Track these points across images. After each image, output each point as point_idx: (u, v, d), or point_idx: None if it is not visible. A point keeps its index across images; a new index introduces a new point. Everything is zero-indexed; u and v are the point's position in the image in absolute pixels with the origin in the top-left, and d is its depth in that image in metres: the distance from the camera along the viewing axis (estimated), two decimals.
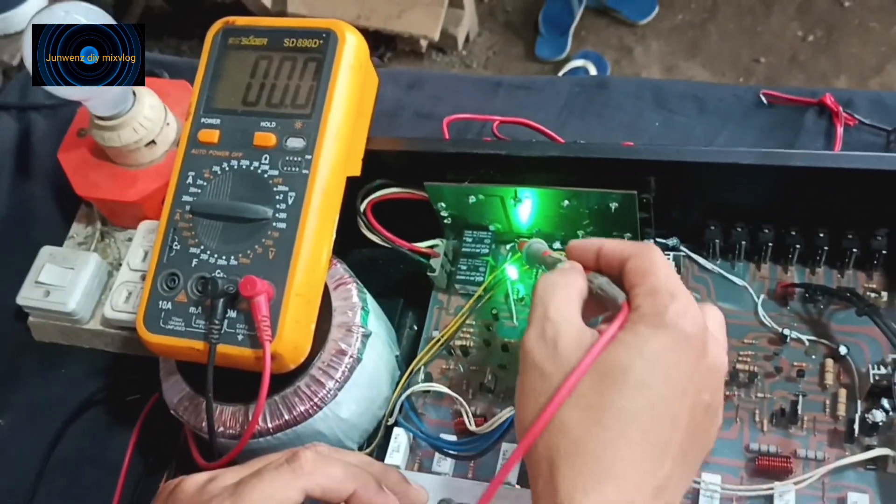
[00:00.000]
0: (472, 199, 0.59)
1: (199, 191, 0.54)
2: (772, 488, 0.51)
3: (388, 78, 0.80)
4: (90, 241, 0.72)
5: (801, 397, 0.53)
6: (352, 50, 0.54)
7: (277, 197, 0.53)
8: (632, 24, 1.88)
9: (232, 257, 0.52)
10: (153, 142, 0.66)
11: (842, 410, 0.53)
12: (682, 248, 0.59)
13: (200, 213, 0.54)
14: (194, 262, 0.53)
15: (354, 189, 0.59)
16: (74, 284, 0.67)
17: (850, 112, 0.67)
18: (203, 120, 0.55)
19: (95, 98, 0.61)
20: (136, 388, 0.66)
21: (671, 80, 1.09)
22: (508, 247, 0.63)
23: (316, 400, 0.53)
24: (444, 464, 0.56)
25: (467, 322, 0.60)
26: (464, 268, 0.62)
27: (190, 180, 0.54)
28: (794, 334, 0.55)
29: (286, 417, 0.53)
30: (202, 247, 0.53)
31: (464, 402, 0.56)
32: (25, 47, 0.57)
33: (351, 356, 0.54)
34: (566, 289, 0.41)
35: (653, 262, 0.40)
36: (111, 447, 0.66)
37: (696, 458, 0.39)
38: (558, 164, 0.56)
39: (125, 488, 0.63)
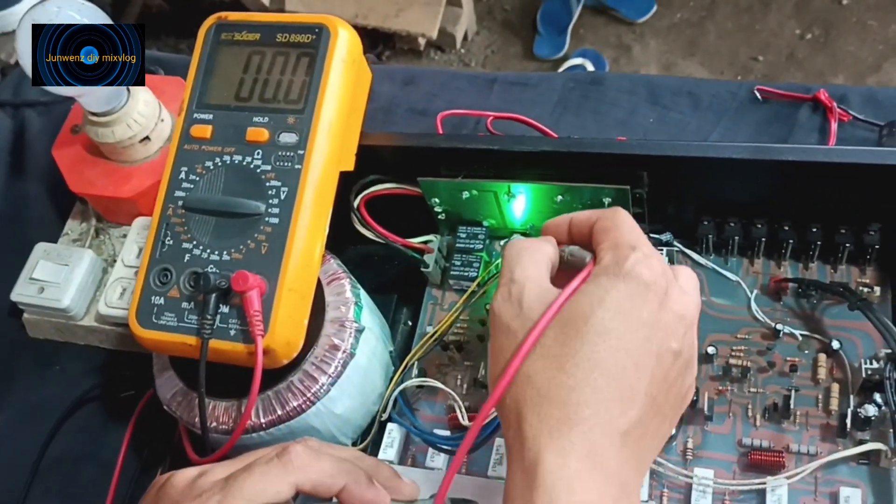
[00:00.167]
0: (465, 194, 0.59)
1: (192, 186, 0.54)
2: (764, 483, 0.51)
3: (384, 74, 0.80)
4: (85, 237, 0.72)
5: (793, 392, 0.53)
6: (344, 45, 0.55)
7: (270, 192, 0.53)
8: (630, 23, 1.88)
9: (224, 252, 0.52)
10: (147, 138, 0.66)
11: (834, 405, 0.53)
12: (675, 243, 0.59)
13: (193, 209, 0.54)
14: (187, 257, 0.53)
15: (348, 185, 0.59)
16: (69, 281, 0.67)
17: (844, 108, 0.67)
18: (195, 115, 0.55)
19: (89, 94, 0.61)
20: (131, 385, 0.66)
21: (665, 77, 1.09)
22: (502, 242, 0.63)
23: (309, 395, 0.53)
24: (438, 459, 0.56)
25: (461, 317, 0.60)
26: (458, 263, 0.62)
27: (182, 175, 0.54)
28: (787, 329, 0.55)
29: (279, 413, 0.53)
30: (195, 242, 0.53)
31: (457, 398, 0.56)
32: (19, 44, 0.57)
33: (344, 351, 0.54)
34: (532, 252, 0.42)
35: (615, 221, 0.41)
36: (106, 444, 0.66)
37: (670, 407, 0.40)
38: (551, 159, 0.56)
39: (119, 485, 0.63)
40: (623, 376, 0.37)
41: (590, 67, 1.81)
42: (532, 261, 0.42)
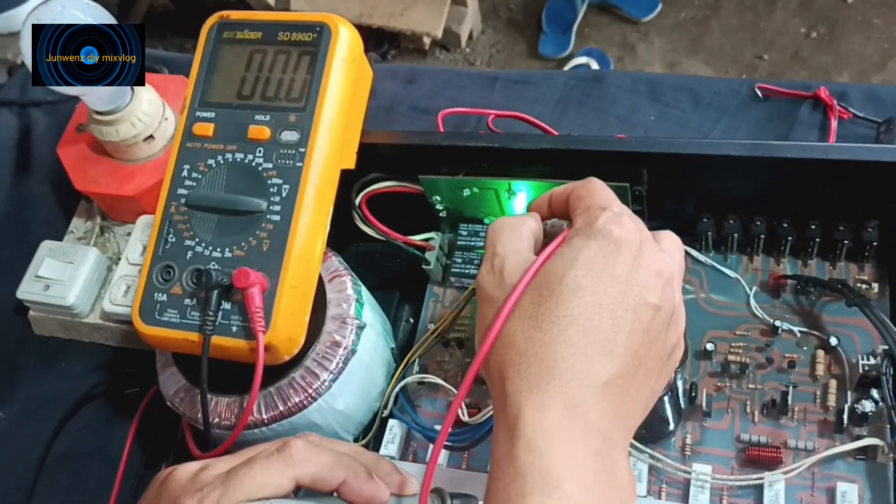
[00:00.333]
0: (466, 192, 0.59)
1: (194, 184, 0.55)
2: (762, 478, 0.51)
3: (387, 73, 0.80)
4: (89, 235, 0.73)
5: (791, 388, 0.53)
6: (345, 43, 0.55)
7: (272, 189, 0.53)
8: (634, 21, 1.88)
9: (226, 249, 0.53)
10: (151, 136, 0.66)
11: (832, 401, 0.53)
12: None
13: (195, 206, 0.54)
14: (189, 254, 0.53)
15: (350, 182, 0.59)
16: (74, 279, 0.68)
17: (844, 105, 0.68)
18: (198, 113, 0.56)
19: (93, 93, 0.62)
20: (136, 382, 0.67)
21: (667, 74, 1.09)
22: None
23: (310, 391, 0.53)
24: (440, 456, 0.56)
25: (462, 314, 0.61)
26: (459, 261, 0.63)
27: (185, 173, 0.55)
28: (786, 326, 0.56)
29: (281, 409, 0.53)
30: (197, 239, 0.54)
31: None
32: (24, 44, 0.57)
33: (345, 348, 0.55)
34: (514, 227, 0.43)
35: (588, 188, 0.43)
36: (111, 440, 0.66)
37: (654, 363, 0.40)
38: (551, 156, 0.56)
39: (124, 480, 0.64)
40: (600, 330, 0.38)
41: (594, 66, 1.81)
42: (514, 234, 0.43)
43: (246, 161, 0.54)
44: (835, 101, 0.68)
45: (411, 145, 0.60)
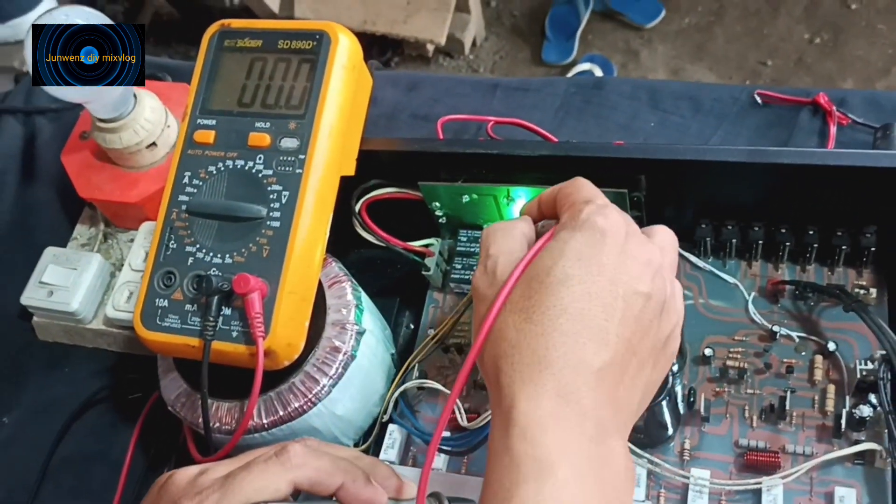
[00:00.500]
0: (465, 198, 0.60)
1: (195, 190, 0.55)
2: (760, 483, 0.51)
3: (388, 80, 0.81)
4: (93, 242, 0.73)
5: (789, 393, 0.53)
6: (345, 51, 0.55)
7: (272, 196, 0.54)
8: (638, 28, 1.89)
9: (227, 256, 0.53)
10: (154, 144, 0.67)
11: (830, 406, 0.53)
12: None
13: (196, 213, 0.55)
14: (190, 260, 0.54)
15: (349, 189, 0.60)
16: (77, 285, 0.68)
17: (844, 111, 0.68)
18: (199, 121, 0.56)
19: (96, 100, 0.63)
20: (138, 387, 0.67)
21: (666, 81, 1.09)
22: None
23: (310, 396, 0.54)
24: (438, 460, 0.57)
25: (462, 320, 0.61)
26: (458, 267, 0.63)
27: (186, 180, 0.55)
28: (784, 331, 0.56)
29: (281, 413, 0.53)
30: (198, 245, 0.54)
31: (457, 399, 0.57)
32: (28, 53, 0.58)
33: (345, 353, 0.55)
34: (506, 229, 0.44)
35: (574, 186, 0.44)
36: (114, 444, 0.67)
37: (648, 351, 0.41)
38: (549, 163, 0.56)
39: (127, 484, 0.64)
40: (590, 319, 0.38)
41: (598, 73, 1.81)
42: (506, 236, 0.43)
43: (246, 168, 0.55)
44: (834, 108, 0.68)
45: (411, 152, 0.60)
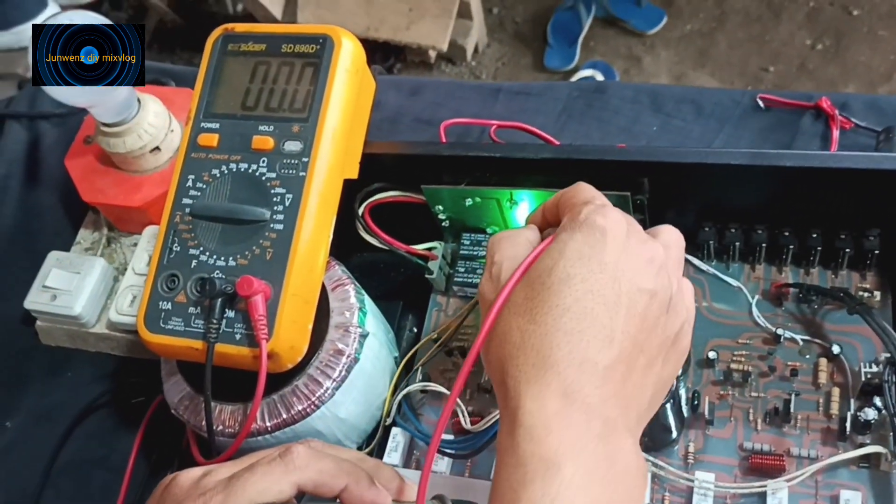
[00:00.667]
0: (468, 201, 0.60)
1: (199, 193, 0.55)
2: (765, 486, 0.51)
3: (391, 84, 0.81)
4: (97, 246, 0.73)
5: (794, 396, 0.53)
6: (348, 55, 0.55)
7: (275, 199, 0.54)
8: (640, 34, 1.89)
9: (230, 258, 0.53)
10: (157, 148, 0.67)
11: (835, 409, 0.53)
12: None
13: (200, 216, 0.55)
14: (193, 263, 0.54)
15: (353, 192, 0.60)
16: (81, 289, 0.68)
17: (846, 115, 0.68)
18: (203, 124, 0.56)
19: (101, 104, 0.63)
20: (141, 391, 0.67)
21: (668, 86, 1.10)
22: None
23: (314, 399, 0.54)
24: (442, 463, 0.57)
25: (466, 324, 0.61)
26: (462, 270, 0.63)
27: (190, 183, 0.56)
28: (788, 334, 0.56)
29: (284, 416, 0.53)
30: (201, 248, 0.54)
31: (460, 402, 0.57)
32: (30, 56, 0.58)
33: (348, 356, 0.55)
34: (512, 237, 0.44)
35: (574, 190, 0.44)
36: (117, 449, 0.67)
37: (656, 349, 0.40)
38: (552, 166, 0.57)
39: (129, 489, 0.64)
40: (594, 317, 0.38)
41: (600, 79, 1.81)
42: (511, 244, 0.43)
43: (250, 171, 0.55)
44: (836, 112, 0.68)
45: (414, 155, 0.61)
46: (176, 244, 0.55)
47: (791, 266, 0.59)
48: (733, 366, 0.56)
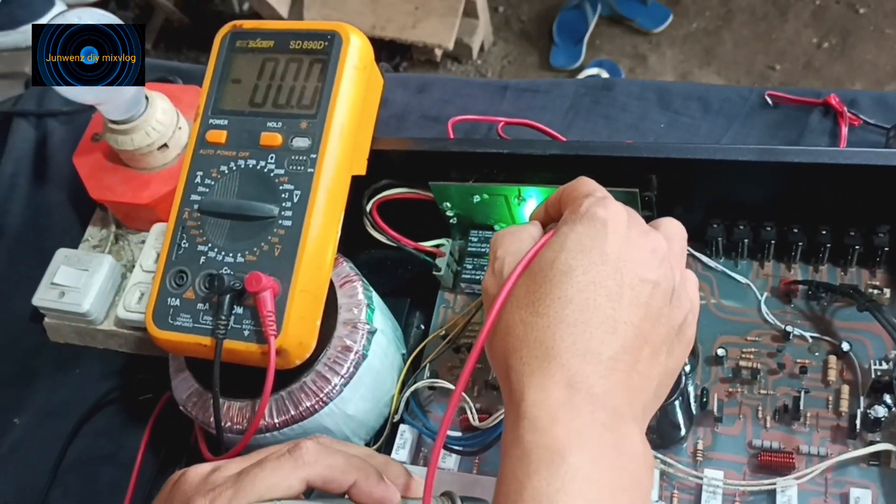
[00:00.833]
0: (476, 198, 0.60)
1: (207, 190, 0.55)
2: (774, 484, 0.51)
3: (398, 82, 0.81)
4: (104, 243, 0.73)
5: (803, 393, 0.53)
6: (356, 51, 0.55)
7: (283, 195, 0.54)
8: (646, 33, 1.89)
9: (239, 255, 0.53)
10: (165, 145, 0.67)
11: (844, 406, 0.53)
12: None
13: (208, 212, 0.55)
14: (202, 259, 0.54)
15: (360, 189, 0.60)
16: (89, 286, 0.68)
17: (855, 112, 0.68)
18: (211, 121, 0.57)
19: (109, 102, 0.63)
20: (149, 388, 0.67)
21: (676, 83, 1.09)
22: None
23: (322, 395, 0.54)
24: (450, 459, 0.56)
25: (473, 321, 0.61)
26: (469, 267, 0.63)
27: (198, 180, 0.56)
28: (798, 331, 0.56)
29: (292, 413, 0.53)
30: (210, 244, 0.54)
31: (468, 399, 0.57)
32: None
33: (356, 353, 0.55)
34: (514, 233, 0.44)
35: (575, 184, 0.44)
36: (124, 446, 0.67)
37: (661, 339, 0.40)
38: (560, 162, 0.56)
39: (138, 486, 0.64)
40: (596, 307, 0.38)
41: (605, 77, 1.81)
42: (514, 239, 0.43)
43: (258, 167, 0.55)
44: (845, 108, 0.68)
45: (422, 152, 0.60)
46: (184, 240, 0.55)
47: (800, 263, 0.59)
48: (742, 363, 0.55)
